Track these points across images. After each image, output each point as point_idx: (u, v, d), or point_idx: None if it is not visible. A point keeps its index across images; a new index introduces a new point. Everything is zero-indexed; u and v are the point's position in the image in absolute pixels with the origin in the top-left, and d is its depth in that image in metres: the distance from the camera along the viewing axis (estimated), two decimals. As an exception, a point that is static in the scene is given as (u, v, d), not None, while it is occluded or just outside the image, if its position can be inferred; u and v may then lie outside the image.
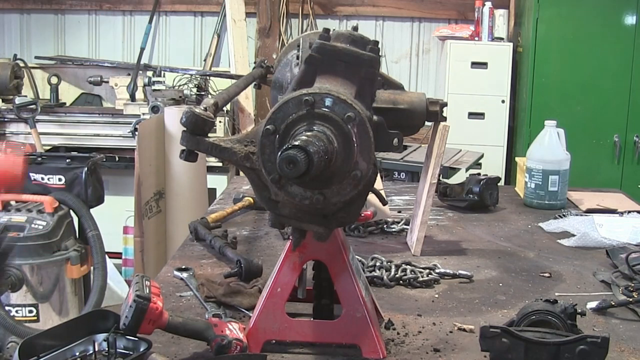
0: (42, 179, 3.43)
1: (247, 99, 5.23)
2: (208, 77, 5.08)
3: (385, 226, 2.44)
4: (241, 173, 1.77)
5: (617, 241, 2.26)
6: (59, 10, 6.04)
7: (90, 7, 6.01)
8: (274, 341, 1.50)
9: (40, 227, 3.11)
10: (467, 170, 4.02)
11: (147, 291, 1.37)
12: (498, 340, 1.36)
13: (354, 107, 1.25)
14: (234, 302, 1.72)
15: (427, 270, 1.97)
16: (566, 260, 2.16)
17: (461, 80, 5.28)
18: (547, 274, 2.02)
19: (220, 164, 4.63)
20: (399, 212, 2.67)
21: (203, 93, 4.88)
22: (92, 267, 3.40)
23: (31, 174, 3.43)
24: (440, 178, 3.02)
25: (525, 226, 2.54)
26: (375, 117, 1.34)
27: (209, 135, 1.37)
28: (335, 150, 1.24)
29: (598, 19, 4.93)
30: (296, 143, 1.17)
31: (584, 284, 1.95)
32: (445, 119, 1.84)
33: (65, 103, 5.49)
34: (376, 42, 1.38)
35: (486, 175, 2.77)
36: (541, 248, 2.29)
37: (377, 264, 1.98)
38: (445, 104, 1.79)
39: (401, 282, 1.93)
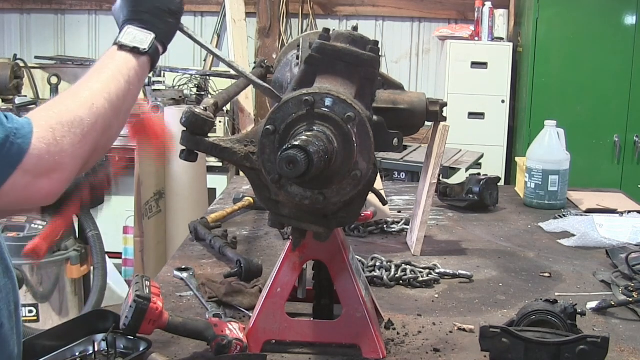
0: (42, 179, 3.42)
1: (247, 99, 5.22)
2: (208, 77, 5.08)
3: (385, 226, 2.44)
4: (241, 173, 1.77)
5: (617, 241, 2.25)
6: (59, 10, 6.03)
7: (90, 7, 6.00)
8: (274, 341, 1.49)
9: (40, 227, 3.11)
10: (467, 170, 4.02)
11: (147, 291, 1.37)
12: (498, 340, 1.36)
13: (354, 107, 1.25)
14: (235, 302, 1.72)
15: (427, 270, 1.96)
16: (566, 260, 2.16)
17: (461, 80, 5.28)
18: (547, 274, 2.02)
19: (220, 164, 4.62)
20: (399, 212, 2.67)
21: (203, 93, 4.88)
22: (92, 267, 3.40)
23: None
24: (440, 178, 3.01)
25: (525, 226, 2.54)
26: (375, 117, 1.33)
27: (209, 135, 1.37)
28: (335, 150, 1.24)
29: (598, 19, 4.92)
30: (296, 143, 1.17)
31: (584, 284, 1.95)
32: (445, 119, 1.84)
33: (65, 103, 5.47)
34: (376, 42, 1.38)
35: (486, 175, 2.77)
36: (541, 248, 2.28)
37: (377, 264, 1.98)
38: (445, 104, 1.79)
39: (401, 282, 1.93)
